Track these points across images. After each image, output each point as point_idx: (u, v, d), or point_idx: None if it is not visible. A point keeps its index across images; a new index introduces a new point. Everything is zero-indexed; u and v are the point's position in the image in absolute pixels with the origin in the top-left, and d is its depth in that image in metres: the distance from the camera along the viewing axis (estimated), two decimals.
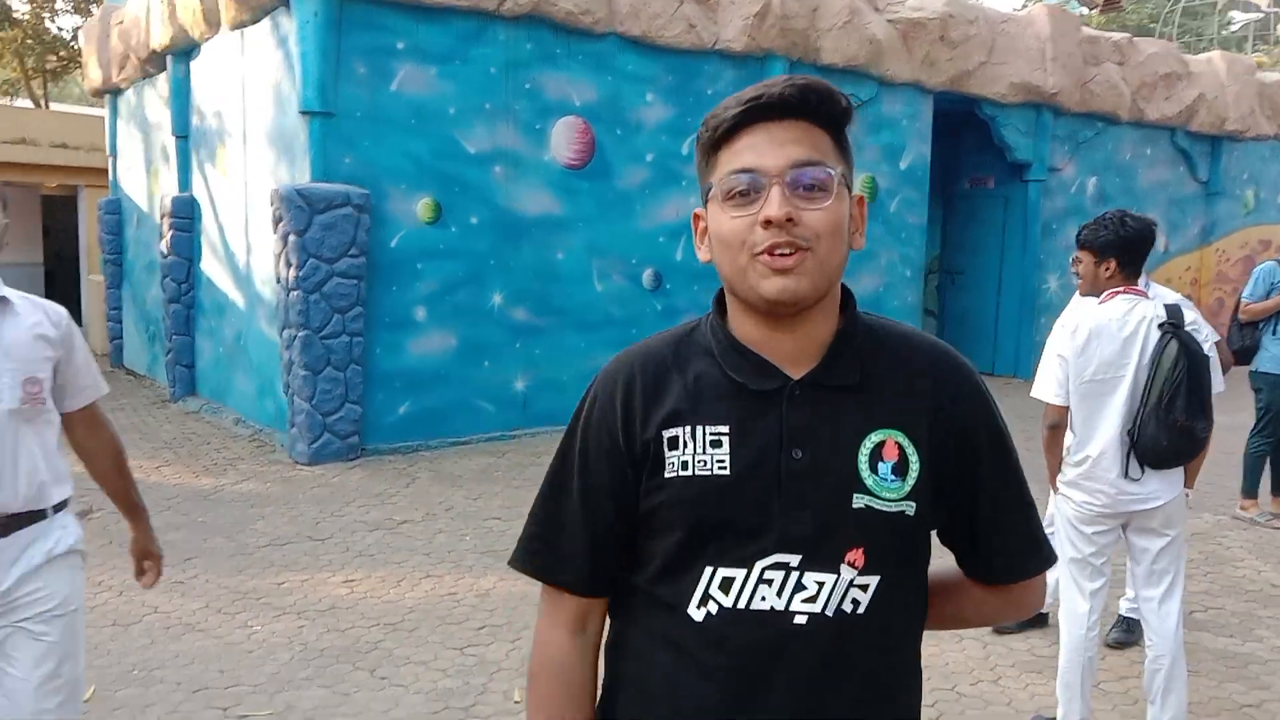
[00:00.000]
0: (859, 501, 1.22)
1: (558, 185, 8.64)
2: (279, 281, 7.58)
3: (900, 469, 1.24)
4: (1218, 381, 3.46)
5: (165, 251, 10.00)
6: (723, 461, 1.23)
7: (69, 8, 23.11)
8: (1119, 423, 3.34)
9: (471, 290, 8.20)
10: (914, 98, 10.97)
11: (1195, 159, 14.16)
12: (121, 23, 11.08)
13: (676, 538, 1.25)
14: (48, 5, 22.42)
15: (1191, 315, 3.45)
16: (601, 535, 1.32)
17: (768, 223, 1.18)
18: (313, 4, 7.37)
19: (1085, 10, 17.06)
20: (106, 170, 12.99)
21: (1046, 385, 3.47)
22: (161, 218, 10.14)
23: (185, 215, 9.88)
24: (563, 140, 8.63)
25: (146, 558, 2.73)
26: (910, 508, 1.24)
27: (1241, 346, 6.20)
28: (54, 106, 23.39)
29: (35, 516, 2.34)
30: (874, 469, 1.23)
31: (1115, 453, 3.37)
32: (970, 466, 1.30)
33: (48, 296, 2.58)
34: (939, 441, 1.26)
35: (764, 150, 1.21)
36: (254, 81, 8.43)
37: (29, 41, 21.57)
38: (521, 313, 8.47)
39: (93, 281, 14.35)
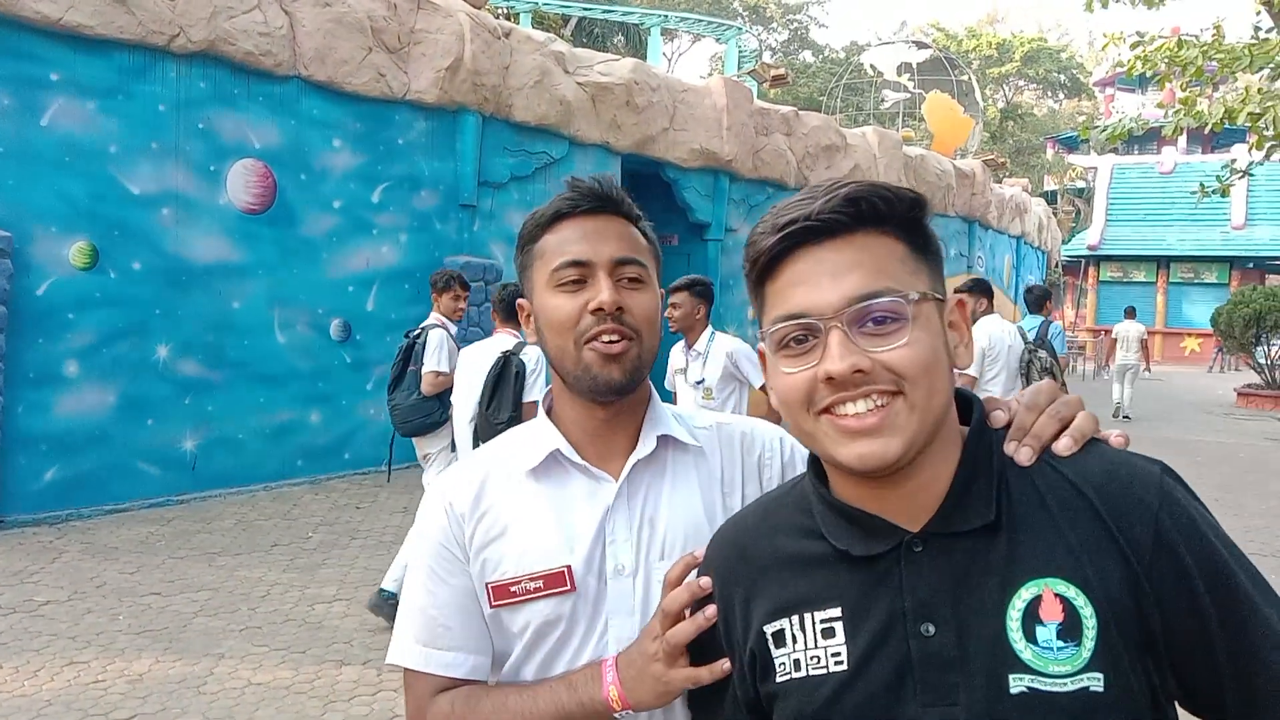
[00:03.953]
0: (1017, 684, 0.91)
1: (234, 231, 8.20)
2: None
3: (1070, 630, 0.91)
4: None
5: None
6: (838, 654, 0.98)
7: None
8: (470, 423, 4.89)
9: (133, 342, 7.56)
10: (603, 158, 11.42)
11: None
12: None
13: None
14: None
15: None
16: None
17: (829, 378, 0.95)
18: None
19: (756, 83, 18.55)
20: None
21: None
22: None
23: None
24: (240, 184, 8.21)
25: None
26: (1097, 681, 0.90)
27: None
28: None
29: None
30: (1030, 636, 0.92)
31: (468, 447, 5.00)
32: (1188, 622, 0.92)
33: None
34: (1129, 584, 0.92)
35: (816, 284, 0.97)
36: None
37: None
38: (191, 366, 7.91)
39: None
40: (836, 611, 0.99)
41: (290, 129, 8.54)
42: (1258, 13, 9.46)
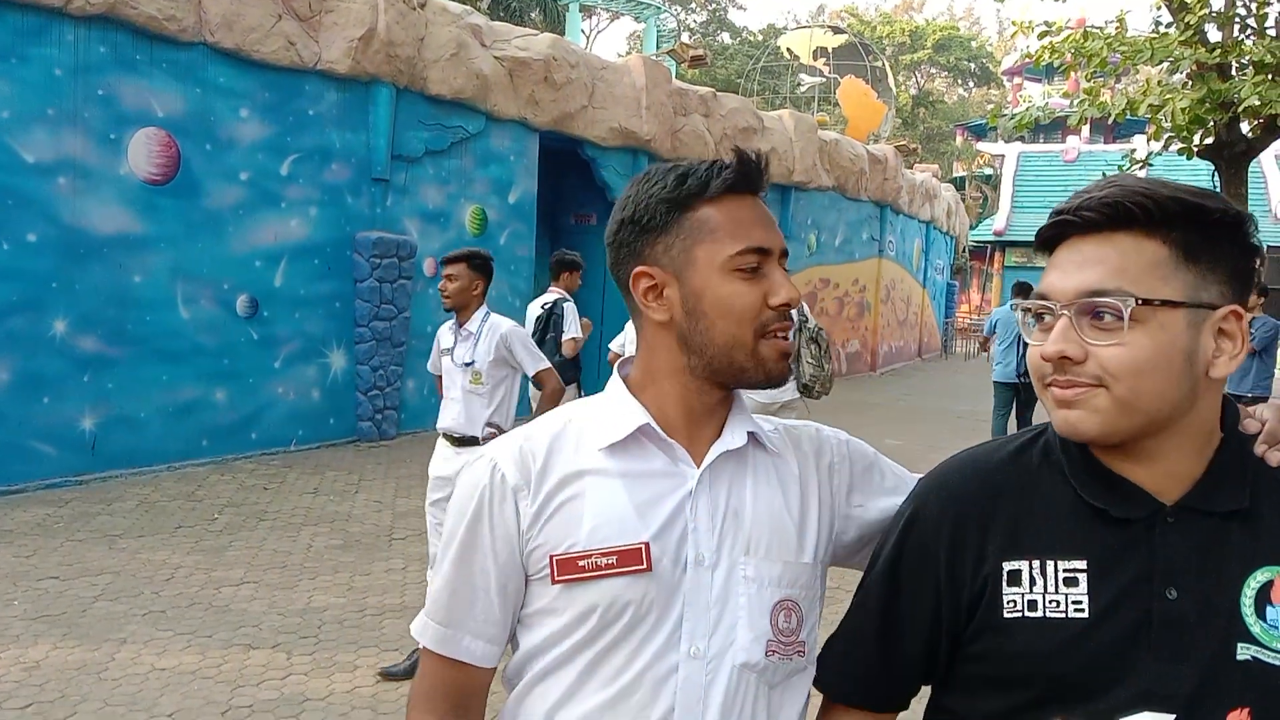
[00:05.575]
0: (1244, 653, 1.04)
1: (136, 202, 7.88)
2: None
3: None
4: None
5: None
6: (1079, 603, 1.08)
7: None
8: None
9: (28, 317, 7.23)
10: (521, 134, 11.29)
11: (769, 205, 15.83)
12: None
13: (1014, 691, 1.10)
14: None
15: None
16: (900, 664, 1.23)
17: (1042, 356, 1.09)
18: None
19: (675, 64, 18.55)
20: None
21: None
22: None
23: None
24: (142, 153, 7.90)
25: None
26: None
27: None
28: None
29: None
30: (1260, 614, 1.05)
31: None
32: None
33: None
34: None
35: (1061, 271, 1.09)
36: None
37: None
38: (90, 342, 7.61)
39: None
40: (1081, 564, 1.08)
41: (195, 97, 8.24)
42: (1158, 7, 9.76)
